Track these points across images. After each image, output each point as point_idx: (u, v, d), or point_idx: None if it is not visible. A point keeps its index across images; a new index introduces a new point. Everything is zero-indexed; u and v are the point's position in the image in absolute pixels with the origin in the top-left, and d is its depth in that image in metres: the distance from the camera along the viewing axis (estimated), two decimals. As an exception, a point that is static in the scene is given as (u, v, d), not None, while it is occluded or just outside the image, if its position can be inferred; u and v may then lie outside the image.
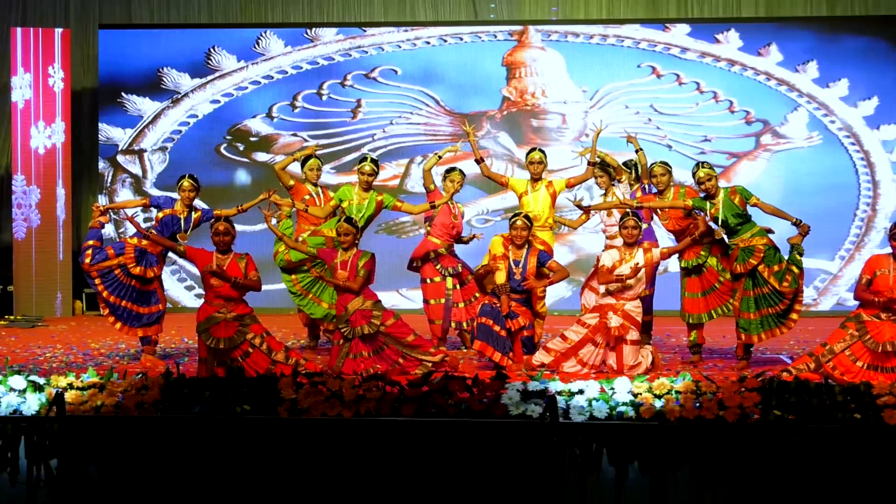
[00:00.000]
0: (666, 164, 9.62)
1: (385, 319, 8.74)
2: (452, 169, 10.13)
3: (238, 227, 9.07)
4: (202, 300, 8.81)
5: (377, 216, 10.16)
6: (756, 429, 6.19)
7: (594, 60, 14.25)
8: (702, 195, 9.22)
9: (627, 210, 9.06)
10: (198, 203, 10.05)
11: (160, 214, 9.65)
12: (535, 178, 9.94)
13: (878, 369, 8.09)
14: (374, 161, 10.07)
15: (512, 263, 9.12)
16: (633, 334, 8.76)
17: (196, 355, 9.95)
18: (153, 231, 9.43)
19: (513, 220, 9.21)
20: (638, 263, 8.80)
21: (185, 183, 9.65)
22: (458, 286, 9.93)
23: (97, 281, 9.49)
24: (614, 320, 8.73)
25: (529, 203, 9.83)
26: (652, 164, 9.66)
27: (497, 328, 8.94)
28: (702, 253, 9.34)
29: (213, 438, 6.37)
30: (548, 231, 9.88)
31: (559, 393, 6.38)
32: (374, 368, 8.34)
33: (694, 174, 9.25)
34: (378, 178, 14.02)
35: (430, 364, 8.60)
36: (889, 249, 8.41)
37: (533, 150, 10.13)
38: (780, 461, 6.12)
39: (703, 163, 9.35)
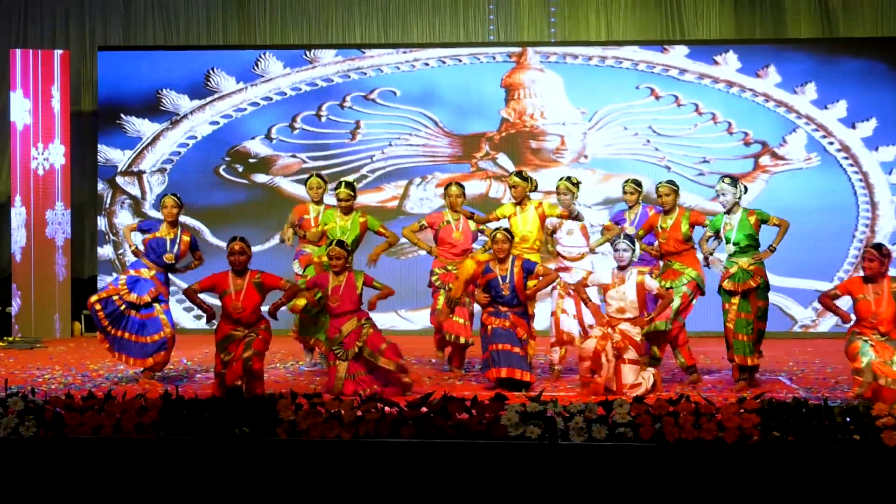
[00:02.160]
0: (672, 183, 9.63)
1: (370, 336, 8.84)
2: (450, 184, 10.17)
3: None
4: (202, 322, 8.82)
5: (363, 238, 10.08)
6: (755, 450, 6.19)
7: (593, 82, 14.29)
8: (723, 210, 9.37)
9: (619, 234, 9.15)
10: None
11: (147, 238, 9.70)
12: (517, 202, 9.93)
13: None
14: (348, 185, 10.03)
15: (499, 279, 9.11)
16: (632, 354, 8.74)
17: (194, 376, 10.02)
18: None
19: (493, 234, 9.26)
20: (625, 293, 8.85)
21: (168, 200, 9.73)
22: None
23: (101, 315, 9.55)
24: (614, 337, 8.79)
25: (518, 225, 9.82)
26: (657, 184, 9.71)
27: (516, 349, 9.00)
28: (683, 277, 9.39)
29: (212, 460, 6.37)
30: (536, 254, 9.83)
31: (558, 414, 6.38)
32: (371, 389, 8.35)
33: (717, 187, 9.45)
34: (377, 200, 14.21)
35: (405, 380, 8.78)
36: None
37: (511, 173, 10.19)
38: (779, 482, 6.12)
39: (727, 177, 9.44)
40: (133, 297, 9.54)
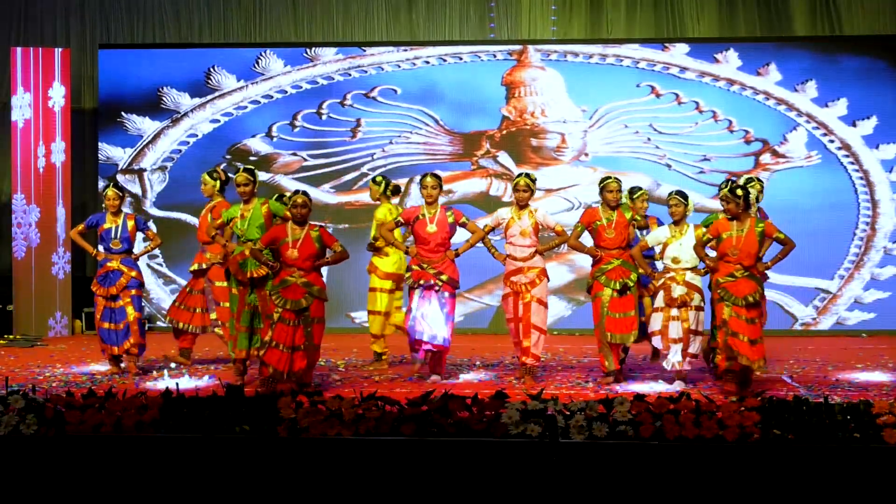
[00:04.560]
0: (618, 182, 9.52)
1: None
2: (425, 175, 9.71)
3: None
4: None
5: (270, 225, 9.50)
6: (756, 448, 6.19)
7: (593, 80, 14.29)
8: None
9: (674, 191, 9.36)
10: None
11: (100, 231, 10.19)
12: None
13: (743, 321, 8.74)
14: (248, 169, 9.61)
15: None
16: (698, 299, 9.15)
17: (191, 372, 10.09)
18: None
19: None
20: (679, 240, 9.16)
21: (109, 192, 10.21)
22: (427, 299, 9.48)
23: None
24: (678, 290, 9.06)
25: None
26: (608, 179, 9.60)
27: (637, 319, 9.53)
28: (632, 276, 9.35)
29: (213, 458, 6.37)
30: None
31: (559, 412, 6.38)
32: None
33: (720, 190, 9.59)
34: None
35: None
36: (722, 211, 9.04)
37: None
38: (780, 480, 6.12)
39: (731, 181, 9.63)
40: (102, 290, 10.10)
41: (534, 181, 9.65)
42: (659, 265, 9.67)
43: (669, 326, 9.11)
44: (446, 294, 9.49)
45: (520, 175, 9.69)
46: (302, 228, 8.88)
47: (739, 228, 8.81)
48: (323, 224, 9.68)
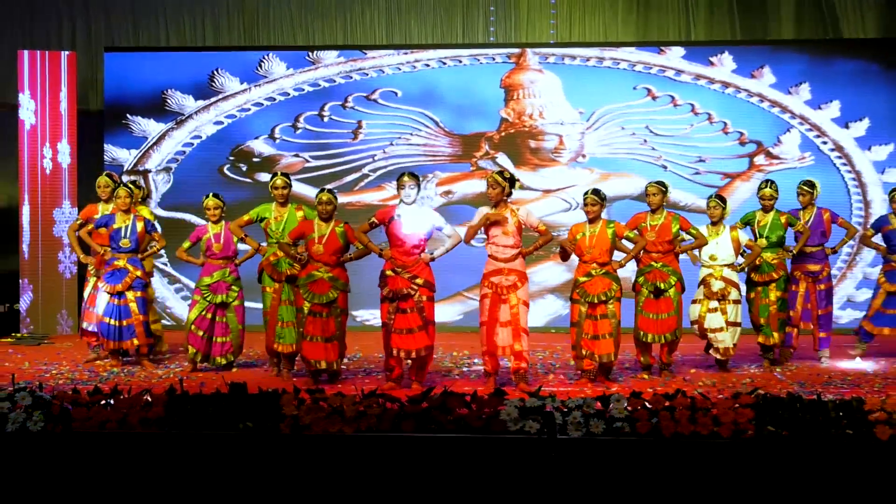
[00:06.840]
0: (660, 184, 9.96)
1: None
2: (402, 174, 9.34)
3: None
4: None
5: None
6: (750, 444, 6.29)
7: (591, 83, 14.38)
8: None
9: (653, 181, 10.11)
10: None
11: (109, 230, 10.49)
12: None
13: (593, 318, 9.36)
14: (284, 175, 10.12)
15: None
16: (735, 294, 10.06)
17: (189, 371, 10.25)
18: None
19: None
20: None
21: (121, 191, 10.53)
22: (400, 311, 9.11)
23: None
24: (717, 284, 9.99)
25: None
26: (647, 184, 10.11)
27: None
28: (670, 279, 9.65)
29: (216, 454, 6.47)
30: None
31: (556, 409, 6.47)
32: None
33: (760, 189, 10.83)
34: (379, 199, 14.30)
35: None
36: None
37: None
38: (774, 476, 6.22)
39: (771, 182, 10.71)
40: (108, 287, 10.42)
41: (504, 178, 9.16)
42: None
43: (707, 317, 9.96)
44: (423, 298, 9.11)
45: (490, 173, 9.34)
46: (327, 224, 9.27)
47: (592, 229, 9.45)
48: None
